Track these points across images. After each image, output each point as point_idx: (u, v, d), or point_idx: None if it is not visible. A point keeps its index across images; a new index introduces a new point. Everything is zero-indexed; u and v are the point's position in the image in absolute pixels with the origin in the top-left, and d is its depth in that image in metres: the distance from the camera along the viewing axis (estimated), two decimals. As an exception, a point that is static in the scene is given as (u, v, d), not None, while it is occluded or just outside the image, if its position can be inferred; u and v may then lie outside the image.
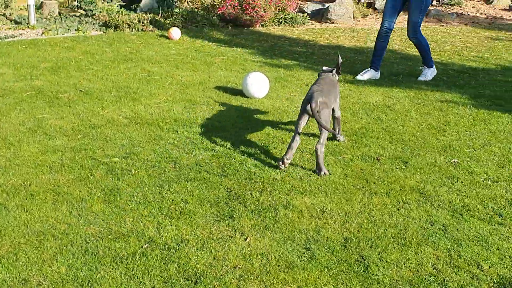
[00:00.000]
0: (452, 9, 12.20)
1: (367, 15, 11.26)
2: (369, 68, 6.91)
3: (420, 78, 6.84)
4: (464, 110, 5.67)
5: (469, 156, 4.50)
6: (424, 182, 3.99)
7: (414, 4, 6.49)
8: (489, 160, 4.44)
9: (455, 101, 5.95)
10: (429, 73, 6.87)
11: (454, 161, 4.39)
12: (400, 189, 3.87)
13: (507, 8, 12.48)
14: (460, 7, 12.41)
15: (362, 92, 6.18)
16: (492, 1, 12.72)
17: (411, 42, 7.01)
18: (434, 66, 6.95)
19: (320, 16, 10.99)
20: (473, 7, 12.51)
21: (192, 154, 4.32)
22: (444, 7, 12.22)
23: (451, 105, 5.81)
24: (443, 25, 10.71)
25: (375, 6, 11.69)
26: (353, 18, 10.91)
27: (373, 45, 8.83)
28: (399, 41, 9.18)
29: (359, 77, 6.84)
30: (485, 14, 11.93)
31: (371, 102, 5.83)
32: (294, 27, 10.14)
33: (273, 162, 4.22)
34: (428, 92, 6.27)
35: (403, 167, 4.26)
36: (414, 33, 6.64)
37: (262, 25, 9.90)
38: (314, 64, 7.34)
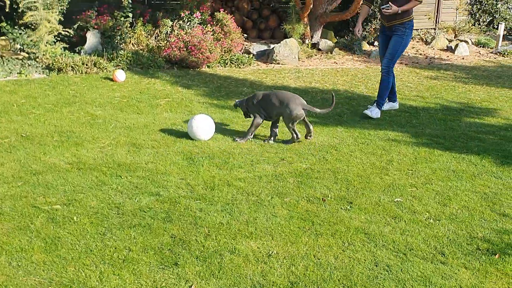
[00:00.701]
0: (393, 50, 12.57)
1: (311, 56, 11.46)
2: (386, 101, 7.41)
3: (366, 112, 7.02)
4: (406, 149, 5.80)
5: (412, 195, 4.58)
6: (368, 222, 4.03)
7: (394, 40, 7.01)
8: (430, 198, 4.53)
9: (397, 140, 6.08)
10: (375, 112, 7.07)
11: (397, 200, 4.46)
12: (346, 230, 3.89)
13: (445, 48, 12.94)
14: (400, 47, 12.81)
15: (307, 133, 6.24)
16: (431, 42, 13.16)
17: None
18: (381, 110, 7.18)
19: (265, 57, 11.13)
20: (413, 47, 12.90)
21: (135, 199, 4.26)
22: (385, 48, 12.59)
23: (393, 144, 5.93)
24: (385, 65, 11.01)
25: (319, 47, 11.92)
26: (298, 59, 11.09)
27: (318, 85, 8.99)
28: (342, 81, 9.36)
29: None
30: (424, 55, 12.32)
31: (316, 143, 5.90)
32: (240, 68, 10.23)
33: (218, 206, 4.20)
34: (371, 132, 6.39)
35: (348, 207, 4.30)
36: (387, 63, 7.08)
37: (208, 66, 9.96)
38: (259, 105, 7.39)
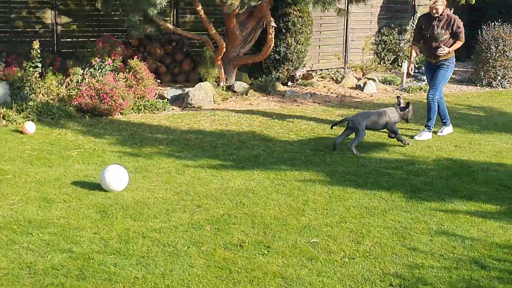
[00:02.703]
0: (306, 89, 12.85)
1: (227, 98, 11.55)
2: (443, 126, 8.74)
3: (416, 137, 8.34)
4: (321, 188, 5.92)
5: (327, 235, 4.67)
6: (285, 266, 4.07)
7: (440, 72, 8.43)
8: (345, 237, 4.63)
9: (312, 180, 6.20)
10: (424, 135, 8.37)
11: (313, 241, 4.53)
12: (263, 276, 3.91)
13: (355, 86, 13.39)
14: (313, 87, 13.11)
15: (224, 177, 6.27)
16: (341, 81, 13.59)
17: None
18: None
19: (180, 101, 11.13)
20: (325, 86, 13.26)
21: (47, 257, 4.12)
22: (298, 88, 12.85)
23: (309, 184, 6.04)
24: (298, 105, 11.24)
25: (234, 89, 12.04)
26: (214, 101, 11.16)
27: (234, 127, 9.07)
28: (258, 122, 9.48)
29: (439, 133, 8.61)
30: (335, 93, 12.68)
31: (233, 187, 5.92)
32: (154, 113, 10.17)
33: (133, 259, 4.12)
34: (288, 172, 6.48)
35: (266, 252, 4.32)
36: (432, 93, 8.46)
37: (122, 114, 9.83)
38: (175, 151, 7.36)
